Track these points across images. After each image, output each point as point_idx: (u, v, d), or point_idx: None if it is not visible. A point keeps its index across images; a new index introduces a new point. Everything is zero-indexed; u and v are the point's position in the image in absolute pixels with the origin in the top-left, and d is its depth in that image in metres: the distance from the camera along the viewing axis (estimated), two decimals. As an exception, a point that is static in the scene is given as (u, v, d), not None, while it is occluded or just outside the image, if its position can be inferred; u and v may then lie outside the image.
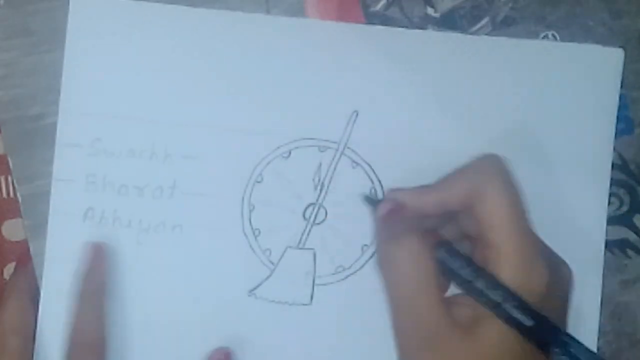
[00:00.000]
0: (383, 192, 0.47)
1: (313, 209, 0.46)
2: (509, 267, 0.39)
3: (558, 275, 0.41)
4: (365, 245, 0.47)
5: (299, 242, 0.46)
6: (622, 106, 0.49)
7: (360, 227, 0.46)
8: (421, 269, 0.40)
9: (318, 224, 0.46)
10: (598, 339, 0.48)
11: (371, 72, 0.47)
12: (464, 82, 0.47)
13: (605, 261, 0.48)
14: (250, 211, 0.46)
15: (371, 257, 0.47)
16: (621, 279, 0.48)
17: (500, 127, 0.47)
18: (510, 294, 0.38)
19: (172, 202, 0.46)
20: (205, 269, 0.46)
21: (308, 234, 0.46)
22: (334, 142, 0.46)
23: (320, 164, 0.46)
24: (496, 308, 0.39)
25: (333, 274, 0.46)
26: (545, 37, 0.48)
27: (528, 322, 0.38)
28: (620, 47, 0.48)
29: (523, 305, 0.38)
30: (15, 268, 0.47)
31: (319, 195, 0.46)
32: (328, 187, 0.46)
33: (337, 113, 0.46)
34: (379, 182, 0.47)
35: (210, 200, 0.46)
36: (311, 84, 0.46)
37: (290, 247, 0.46)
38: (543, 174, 0.47)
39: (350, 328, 0.46)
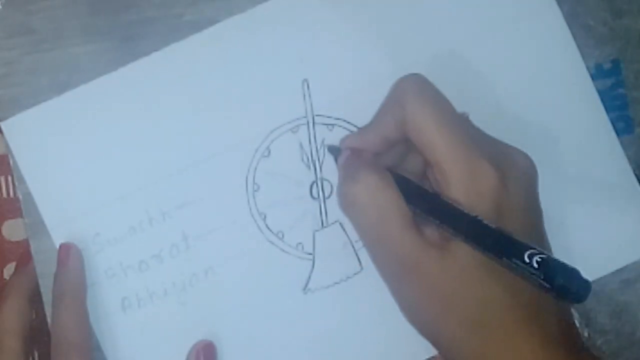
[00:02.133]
0: (329, 146, 0.47)
1: (317, 186, 0.46)
2: (454, 179, 0.39)
3: (513, 172, 0.40)
4: None
5: (322, 222, 0.46)
6: (622, 106, 0.49)
7: None
8: (382, 199, 0.40)
9: (329, 197, 0.46)
10: (598, 338, 0.49)
11: (305, 36, 0.47)
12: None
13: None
14: (265, 219, 0.46)
15: None
16: (621, 278, 0.48)
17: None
18: (460, 215, 0.38)
19: (191, 251, 0.46)
20: (254, 291, 0.46)
21: (326, 211, 0.46)
22: (302, 117, 0.46)
23: (301, 143, 0.46)
24: (455, 232, 0.39)
25: None
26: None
27: (485, 240, 0.38)
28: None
29: (475, 223, 0.38)
30: (16, 268, 0.47)
31: (316, 171, 0.46)
32: (322, 160, 0.46)
33: (290, 90, 0.46)
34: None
35: (224, 229, 0.46)
36: (257, 77, 0.46)
37: (316, 230, 0.46)
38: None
39: None
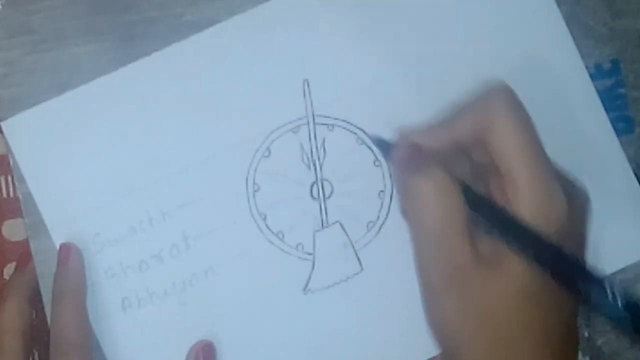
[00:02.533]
0: (374, 137, 0.46)
1: (317, 186, 0.46)
2: (528, 199, 0.38)
3: (577, 202, 0.40)
4: (382, 191, 0.47)
5: (322, 222, 0.46)
6: (622, 106, 0.49)
7: (371, 180, 0.47)
8: (448, 202, 0.39)
9: (329, 197, 0.46)
10: (598, 338, 0.49)
11: (306, 36, 0.47)
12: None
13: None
14: (265, 219, 0.46)
15: (391, 201, 0.47)
16: (621, 278, 0.48)
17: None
18: (530, 234, 0.38)
19: (191, 251, 0.46)
20: (254, 291, 0.46)
21: (326, 211, 0.46)
22: (303, 118, 0.46)
23: (301, 144, 0.46)
24: (518, 248, 0.38)
25: (366, 232, 0.47)
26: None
27: (549, 262, 0.37)
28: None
29: (544, 244, 0.37)
30: (16, 268, 0.47)
31: (316, 171, 0.46)
32: (322, 160, 0.46)
33: (290, 90, 0.46)
34: (362, 131, 0.47)
35: (224, 229, 0.46)
36: (258, 78, 0.46)
37: (316, 230, 0.46)
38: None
39: (398, 281, 0.46)
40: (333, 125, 0.47)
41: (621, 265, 0.47)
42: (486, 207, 0.40)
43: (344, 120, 0.47)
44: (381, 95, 0.46)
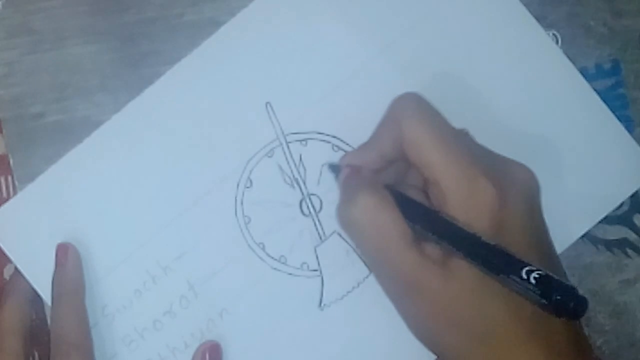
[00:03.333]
0: (347, 145, 0.46)
1: (306, 203, 0.46)
2: (451, 197, 0.39)
3: (513, 184, 0.40)
4: None
5: (320, 236, 0.46)
6: (622, 106, 0.49)
7: None
8: (381, 220, 0.40)
9: (320, 211, 0.46)
10: (598, 338, 0.49)
11: (257, 61, 0.47)
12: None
13: (605, 261, 0.49)
14: (263, 248, 0.46)
15: None
16: (621, 278, 0.49)
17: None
18: (459, 232, 0.38)
19: (200, 298, 0.46)
20: (271, 320, 0.46)
21: (321, 225, 0.46)
22: (274, 140, 0.46)
23: (280, 166, 0.46)
24: (454, 249, 0.38)
25: None
26: (546, 36, 0.48)
27: (482, 257, 0.38)
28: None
29: (473, 240, 0.38)
30: (15, 268, 0.47)
31: (301, 189, 0.47)
32: (304, 176, 0.47)
33: (255, 116, 0.46)
34: (335, 137, 0.47)
35: (226, 268, 0.46)
36: (221, 112, 0.46)
37: (316, 245, 0.46)
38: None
39: None
40: (306, 140, 0.47)
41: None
42: (419, 214, 0.40)
43: (315, 132, 0.47)
44: (347, 102, 0.46)
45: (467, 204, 0.39)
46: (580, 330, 0.41)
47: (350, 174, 0.43)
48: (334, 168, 0.46)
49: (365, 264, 0.46)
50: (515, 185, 0.40)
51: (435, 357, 0.44)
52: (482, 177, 0.39)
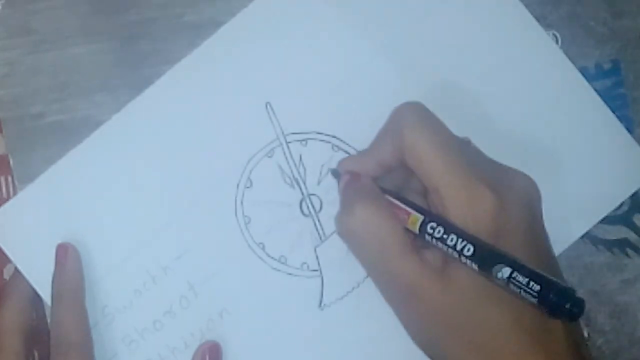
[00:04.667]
0: (347, 145, 0.46)
1: (306, 203, 0.46)
2: (451, 205, 0.39)
3: (512, 191, 0.40)
4: None
5: (320, 236, 0.46)
6: (622, 106, 0.49)
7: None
8: (379, 230, 0.40)
9: (320, 211, 0.46)
10: (598, 338, 0.49)
11: (257, 61, 0.47)
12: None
13: (605, 261, 0.49)
14: (264, 248, 0.46)
15: None
16: (621, 278, 0.49)
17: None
18: (461, 233, 0.38)
19: (200, 298, 0.46)
20: (272, 320, 0.46)
21: (321, 225, 0.46)
22: (274, 140, 0.47)
23: (280, 166, 0.47)
24: (452, 251, 0.39)
25: None
26: (546, 36, 0.48)
27: (478, 258, 0.38)
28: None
29: (472, 240, 0.38)
30: (15, 268, 0.47)
31: (301, 189, 0.47)
32: (304, 176, 0.47)
33: (255, 116, 0.46)
34: (335, 137, 0.47)
35: (226, 268, 0.46)
36: (221, 113, 0.46)
37: (316, 246, 0.46)
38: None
39: None
40: (306, 140, 0.47)
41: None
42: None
43: (315, 132, 0.47)
44: (347, 102, 0.46)
45: (465, 211, 0.39)
46: (581, 339, 0.42)
47: (349, 182, 0.43)
48: (336, 173, 0.46)
49: (367, 274, 0.45)
50: (514, 193, 0.40)
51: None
52: (482, 184, 0.39)
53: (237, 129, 0.46)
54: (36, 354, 0.47)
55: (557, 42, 0.48)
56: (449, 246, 0.39)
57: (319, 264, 0.46)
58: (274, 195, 0.46)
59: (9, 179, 0.47)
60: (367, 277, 0.46)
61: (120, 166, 0.46)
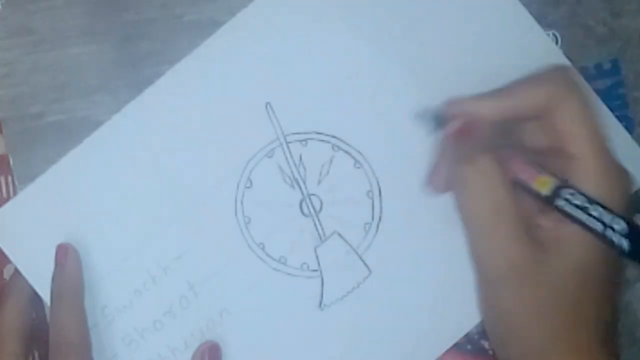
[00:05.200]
0: (421, 111, 0.44)
1: (306, 203, 0.46)
2: (594, 178, 0.38)
3: (629, 184, 0.40)
4: (369, 191, 0.46)
5: (320, 237, 0.46)
6: (622, 106, 0.49)
7: (355, 183, 0.46)
8: (500, 191, 0.38)
9: (320, 211, 0.46)
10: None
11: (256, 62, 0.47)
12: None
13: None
14: (263, 248, 0.46)
15: (381, 198, 0.46)
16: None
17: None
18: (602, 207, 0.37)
19: (200, 298, 0.46)
20: (271, 320, 0.46)
21: (320, 224, 0.46)
22: (274, 140, 0.46)
23: (280, 166, 0.47)
24: (595, 224, 0.37)
25: (365, 235, 0.47)
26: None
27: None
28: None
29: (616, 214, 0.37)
30: (15, 268, 0.47)
31: (301, 189, 0.47)
32: (304, 176, 0.47)
33: (255, 115, 0.46)
34: (335, 137, 0.47)
35: (226, 268, 0.46)
36: (221, 113, 0.46)
37: (317, 246, 0.46)
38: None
39: (408, 276, 0.46)
40: (306, 140, 0.47)
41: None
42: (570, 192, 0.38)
43: (315, 132, 0.47)
44: (346, 98, 0.46)
45: (605, 191, 0.38)
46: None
47: (466, 128, 0.40)
48: (435, 117, 0.42)
49: (467, 233, 0.41)
50: (627, 188, 0.40)
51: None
52: (622, 166, 0.39)
53: (237, 129, 0.46)
54: (36, 354, 0.47)
55: (557, 42, 0.48)
56: (591, 216, 0.37)
57: (319, 264, 0.46)
58: (274, 196, 0.46)
59: (9, 179, 0.47)
60: (367, 277, 0.46)
61: (120, 166, 0.46)
